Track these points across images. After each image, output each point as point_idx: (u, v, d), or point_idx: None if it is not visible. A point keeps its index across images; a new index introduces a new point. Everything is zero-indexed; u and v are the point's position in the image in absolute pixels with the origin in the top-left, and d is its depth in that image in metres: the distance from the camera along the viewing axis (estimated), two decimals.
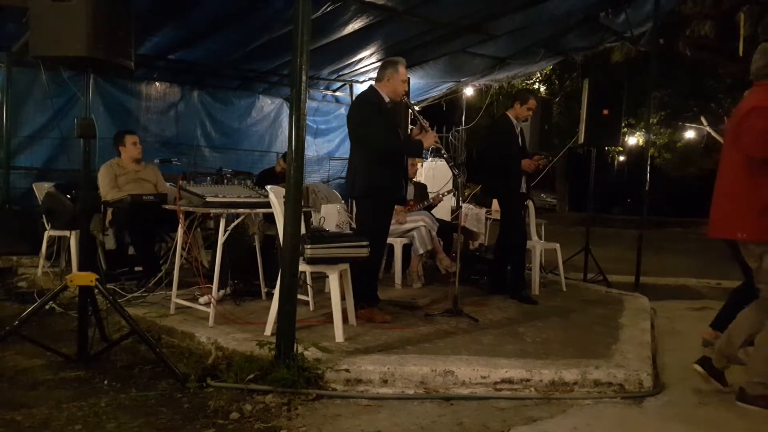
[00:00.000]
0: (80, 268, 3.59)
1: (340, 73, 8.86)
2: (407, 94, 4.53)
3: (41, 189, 5.80)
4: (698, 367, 3.49)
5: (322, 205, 5.95)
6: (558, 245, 6.23)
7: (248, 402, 3.00)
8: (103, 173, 5.42)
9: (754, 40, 11.19)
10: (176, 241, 4.43)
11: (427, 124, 4.49)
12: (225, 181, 5.13)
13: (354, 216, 5.50)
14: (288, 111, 3.36)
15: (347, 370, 3.26)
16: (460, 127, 10.79)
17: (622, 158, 25.77)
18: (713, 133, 20.93)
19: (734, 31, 11.54)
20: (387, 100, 4.39)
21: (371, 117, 4.28)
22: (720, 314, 4.32)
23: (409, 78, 7.88)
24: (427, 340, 3.90)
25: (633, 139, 20.88)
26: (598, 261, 6.90)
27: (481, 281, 6.01)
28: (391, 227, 4.79)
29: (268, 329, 3.78)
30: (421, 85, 9.18)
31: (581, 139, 6.83)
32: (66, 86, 6.46)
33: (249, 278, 5.02)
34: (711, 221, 3.50)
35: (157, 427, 2.73)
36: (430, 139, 4.44)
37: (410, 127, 8.60)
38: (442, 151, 4.71)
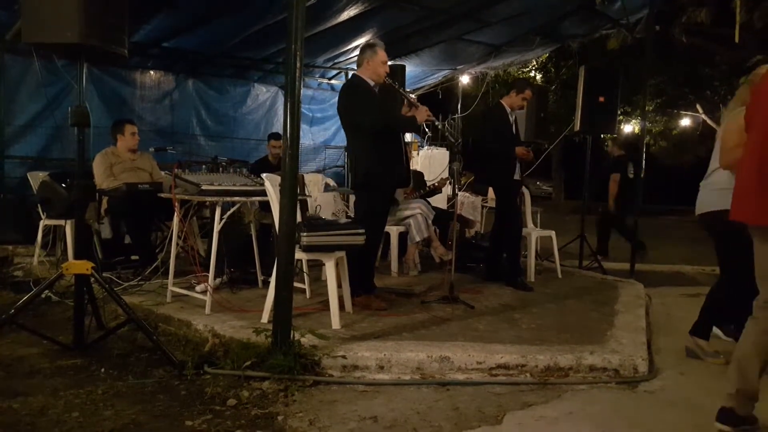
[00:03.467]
0: (76, 257, 3.59)
1: (336, 61, 8.83)
2: (397, 78, 4.46)
3: (36, 178, 5.78)
4: (724, 427, 2.66)
5: (319, 193, 5.94)
6: (553, 233, 6.26)
7: (245, 388, 3.01)
8: (98, 162, 5.40)
9: (750, 28, 11.18)
10: (172, 230, 4.42)
11: (415, 99, 4.44)
12: (220, 169, 5.11)
13: (351, 204, 5.49)
14: (283, 99, 3.34)
15: (344, 357, 3.27)
16: (456, 115, 10.78)
17: None
18: (709, 121, 20.93)
19: (730, 18, 11.51)
20: (372, 84, 4.35)
21: (358, 101, 4.26)
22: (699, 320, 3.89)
23: (404, 65, 7.88)
24: (424, 326, 3.92)
25: (629, 127, 20.86)
26: (593, 248, 6.92)
27: (477, 269, 6.03)
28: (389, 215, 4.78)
29: (265, 317, 3.79)
30: (416, 72, 9.16)
31: (577, 127, 6.83)
32: (60, 75, 6.42)
33: (245, 266, 5.03)
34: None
35: (154, 414, 2.74)
36: (422, 113, 4.34)
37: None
38: (437, 124, 4.64)
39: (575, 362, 3.38)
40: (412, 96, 4.47)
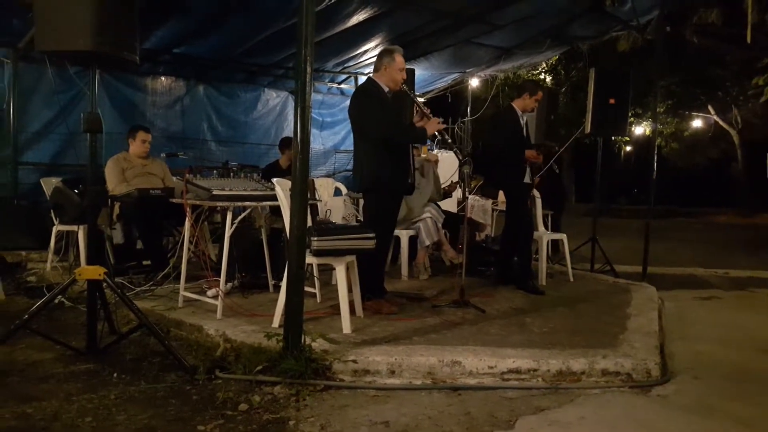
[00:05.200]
0: (88, 262, 3.61)
1: (345, 66, 8.85)
2: (406, 82, 4.45)
3: (49, 184, 5.83)
4: None
5: (329, 198, 5.95)
6: (565, 236, 6.23)
7: (257, 393, 3.02)
8: (111, 167, 5.44)
9: (762, 28, 11.08)
10: (184, 235, 4.44)
11: (429, 111, 4.44)
12: (231, 174, 5.14)
13: (360, 208, 5.50)
14: (293, 104, 3.36)
15: (355, 361, 3.27)
16: (466, 118, 10.77)
17: (628, 148, 25.67)
18: (720, 122, 20.79)
19: (741, 18, 11.42)
20: (386, 90, 4.33)
21: (371, 107, 4.25)
22: None
23: (414, 69, 7.88)
24: (434, 330, 3.91)
25: (639, 129, 20.77)
26: (605, 251, 6.88)
27: (487, 272, 6.01)
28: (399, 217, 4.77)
29: (276, 321, 3.80)
30: (426, 76, 9.16)
31: (588, 129, 6.80)
32: (72, 81, 6.47)
33: (256, 271, 5.04)
34: None
35: (166, 418, 2.75)
36: (433, 126, 4.35)
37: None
38: (446, 137, 4.63)
39: (588, 366, 3.36)
40: (427, 108, 4.45)
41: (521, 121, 5.38)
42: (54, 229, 5.63)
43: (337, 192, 6.26)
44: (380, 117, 4.23)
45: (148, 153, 5.67)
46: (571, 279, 6.05)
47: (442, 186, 6.57)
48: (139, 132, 5.63)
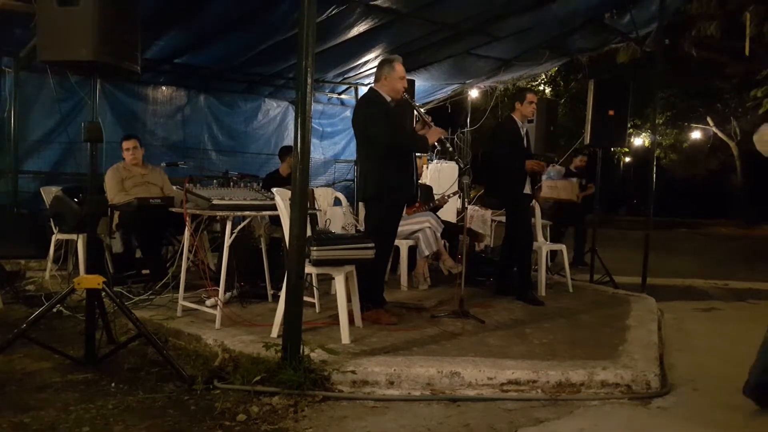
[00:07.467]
0: (87, 271, 3.61)
1: (346, 76, 8.89)
2: (407, 91, 4.46)
3: (49, 193, 5.83)
4: None
5: (328, 207, 5.95)
6: (564, 246, 6.23)
7: (255, 404, 3.01)
8: (110, 176, 5.44)
9: (761, 40, 11.15)
10: (183, 244, 4.44)
11: (430, 119, 4.45)
12: (231, 183, 5.15)
13: (360, 218, 5.50)
14: (294, 114, 3.37)
15: (353, 372, 3.26)
16: (466, 129, 10.80)
17: (628, 159, 25.73)
18: (719, 134, 20.86)
19: (740, 31, 11.49)
20: (389, 99, 4.34)
21: (376, 115, 4.25)
22: None
23: (413, 80, 7.92)
24: (434, 341, 3.90)
25: (639, 140, 20.84)
26: (604, 262, 6.88)
27: (487, 283, 6.00)
28: (399, 228, 4.77)
29: (275, 331, 3.79)
30: (426, 87, 9.19)
31: (587, 140, 6.82)
32: (73, 91, 6.49)
33: (255, 280, 5.04)
34: None
35: (164, 429, 2.74)
36: (434, 134, 4.38)
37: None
38: (447, 146, 4.64)
39: (587, 378, 3.35)
40: (428, 117, 4.47)
41: (521, 132, 5.39)
42: (53, 238, 5.62)
43: (337, 202, 6.26)
44: (385, 125, 4.24)
45: (140, 160, 5.63)
46: (571, 290, 6.04)
47: (437, 198, 6.59)
48: (123, 142, 5.62)
